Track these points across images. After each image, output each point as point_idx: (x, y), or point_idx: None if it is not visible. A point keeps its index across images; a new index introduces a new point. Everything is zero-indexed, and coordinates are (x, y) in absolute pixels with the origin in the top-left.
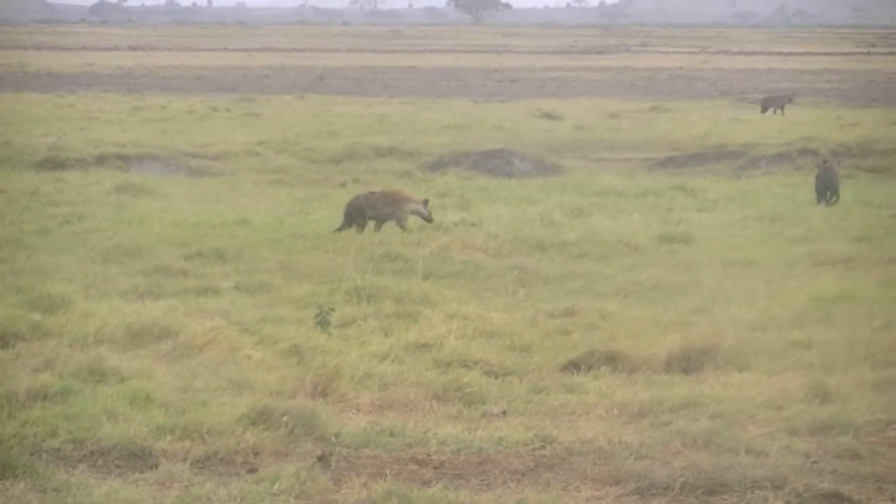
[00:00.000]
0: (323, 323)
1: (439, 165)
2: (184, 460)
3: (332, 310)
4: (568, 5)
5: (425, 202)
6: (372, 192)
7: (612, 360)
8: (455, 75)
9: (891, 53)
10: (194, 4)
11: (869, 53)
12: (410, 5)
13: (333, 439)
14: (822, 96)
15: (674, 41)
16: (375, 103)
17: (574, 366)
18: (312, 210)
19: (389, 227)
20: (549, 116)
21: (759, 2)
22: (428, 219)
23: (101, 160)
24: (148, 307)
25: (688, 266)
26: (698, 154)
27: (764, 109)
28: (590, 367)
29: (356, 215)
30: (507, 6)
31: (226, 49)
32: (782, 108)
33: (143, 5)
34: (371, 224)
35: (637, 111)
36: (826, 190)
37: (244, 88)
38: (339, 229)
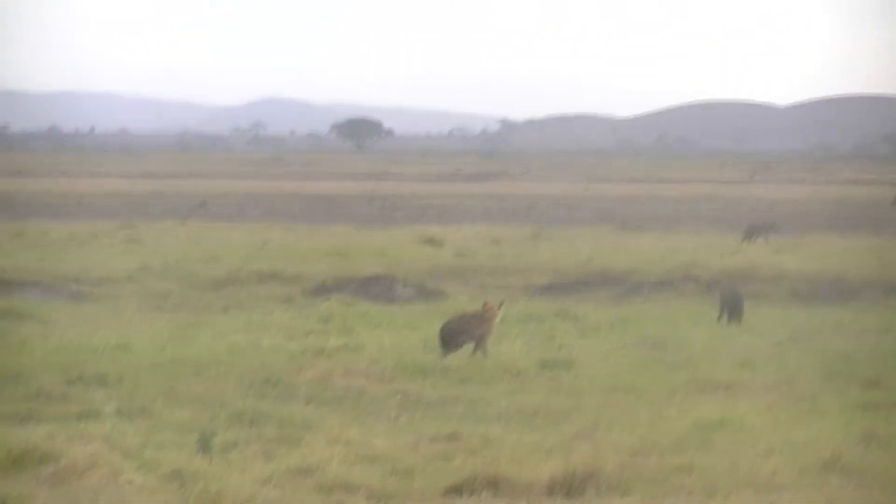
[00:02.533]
0: (205, 447)
1: (322, 291)
2: None
3: (214, 434)
4: (450, 133)
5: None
6: (463, 315)
7: (495, 485)
8: (337, 201)
9: (772, 181)
10: (77, 130)
11: (752, 181)
12: (292, 132)
13: None
14: (704, 223)
15: (555, 168)
16: (257, 229)
17: (456, 490)
18: (194, 335)
19: None
20: (431, 242)
21: (640, 130)
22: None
23: None
24: (28, 432)
25: (569, 391)
26: (580, 280)
27: (746, 237)
28: (472, 492)
29: (451, 339)
30: (390, 133)
31: (108, 175)
32: (766, 236)
33: (23, 131)
34: None
35: (519, 237)
36: (728, 307)
37: (125, 214)
38: (443, 356)
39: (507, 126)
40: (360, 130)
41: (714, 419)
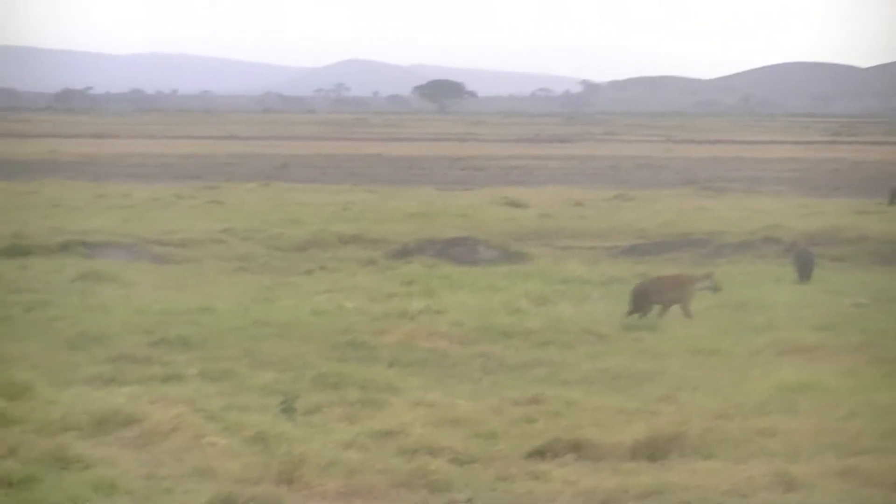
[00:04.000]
0: (288, 410)
1: (404, 253)
2: None
3: (297, 397)
4: (532, 94)
5: (709, 275)
6: (658, 278)
7: (578, 448)
8: (419, 163)
9: (854, 142)
10: (159, 92)
11: (833, 143)
12: (375, 94)
13: None
14: (786, 185)
15: (638, 130)
16: (340, 191)
17: (539, 453)
18: (277, 297)
19: None
20: (514, 204)
21: (723, 91)
22: (717, 288)
23: (64, 247)
24: (112, 394)
25: (653, 354)
26: (663, 242)
27: (892, 200)
28: (555, 455)
29: (642, 301)
30: (472, 95)
31: (190, 137)
32: None
33: (107, 93)
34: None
35: (601, 199)
36: (798, 266)
37: (208, 176)
38: (628, 314)
39: (590, 87)
40: (442, 92)
41: (796, 382)
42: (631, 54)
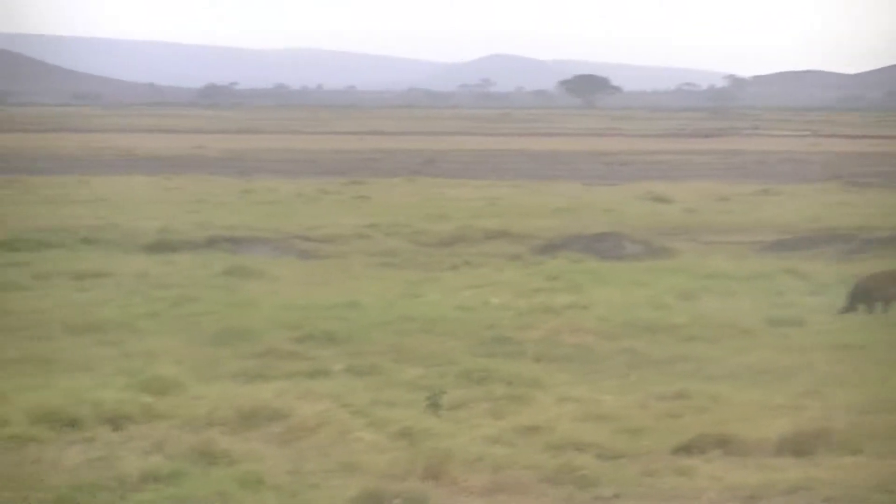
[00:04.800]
0: (434, 405)
1: (549, 248)
2: None
3: (443, 392)
4: (677, 89)
5: None
6: (882, 273)
7: (724, 444)
8: (564, 158)
9: None
10: (304, 88)
11: None
12: (519, 89)
13: None
14: None
15: (783, 124)
16: (484, 186)
17: (685, 449)
18: (422, 293)
19: None
20: (659, 199)
21: (869, 85)
22: None
23: (210, 243)
24: (258, 389)
25: (798, 349)
26: (808, 237)
27: None
28: (701, 451)
29: (863, 297)
30: (617, 90)
31: (335, 132)
32: None
33: (252, 89)
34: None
35: (746, 194)
36: None
37: (353, 171)
38: (845, 311)
39: (735, 82)
40: (587, 87)
41: None
42: (775, 49)
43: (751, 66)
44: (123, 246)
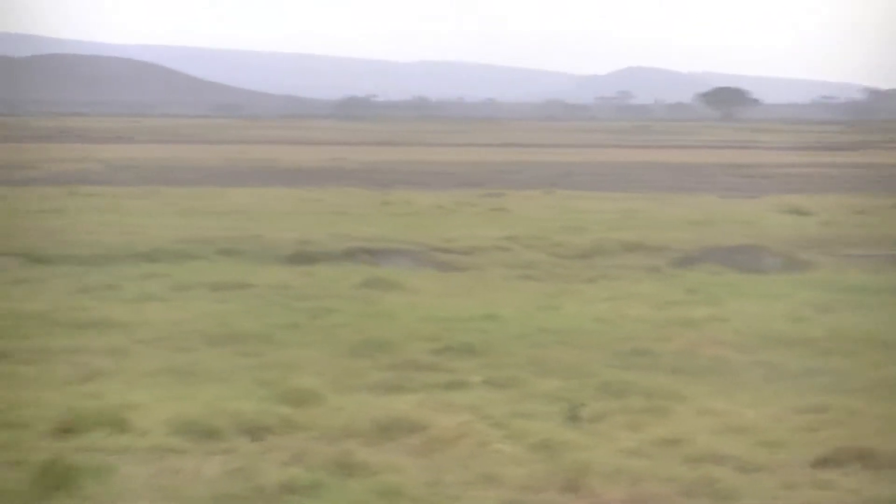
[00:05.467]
0: (573, 417)
1: (687, 261)
2: None
3: (582, 404)
4: (816, 100)
5: None
6: None
7: (863, 457)
8: (702, 171)
9: None
10: (443, 100)
11: None
12: (657, 101)
13: None
14: None
15: None
16: (622, 198)
17: (824, 462)
18: (561, 305)
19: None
20: (797, 212)
21: None
22: None
23: (349, 254)
24: (397, 401)
25: None
26: None
27: None
28: (840, 465)
29: None
30: (756, 102)
31: (473, 144)
32: None
33: (392, 101)
34: None
35: (884, 207)
36: None
37: (491, 183)
38: None
39: (874, 94)
40: (726, 99)
41: None
42: None
43: (890, 78)
44: (262, 257)
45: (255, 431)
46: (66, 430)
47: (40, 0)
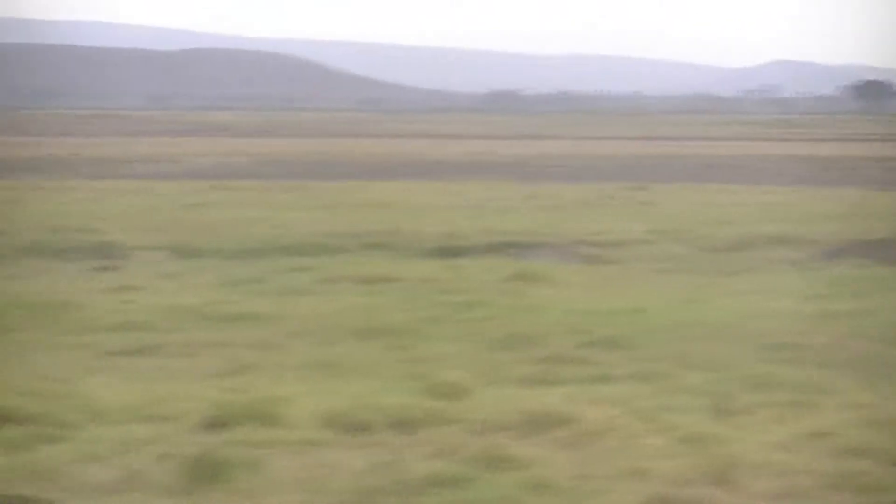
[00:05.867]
0: (719, 411)
1: (832, 254)
2: None
3: (728, 398)
4: None
5: None
6: None
7: None
8: (847, 163)
9: None
10: (588, 93)
11: None
12: (803, 94)
13: None
14: None
15: None
16: (767, 191)
17: None
18: (705, 298)
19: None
20: None
21: None
22: None
23: (494, 248)
24: (543, 394)
25: None
26: None
27: None
28: None
29: None
30: None
31: (619, 137)
32: None
33: (537, 94)
34: None
35: None
36: None
37: (637, 176)
38: None
39: None
40: (874, 92)
41: None
42: None
43: None
44: (408, 251)
45: (402, 425)
46: (216, 423)
47: None
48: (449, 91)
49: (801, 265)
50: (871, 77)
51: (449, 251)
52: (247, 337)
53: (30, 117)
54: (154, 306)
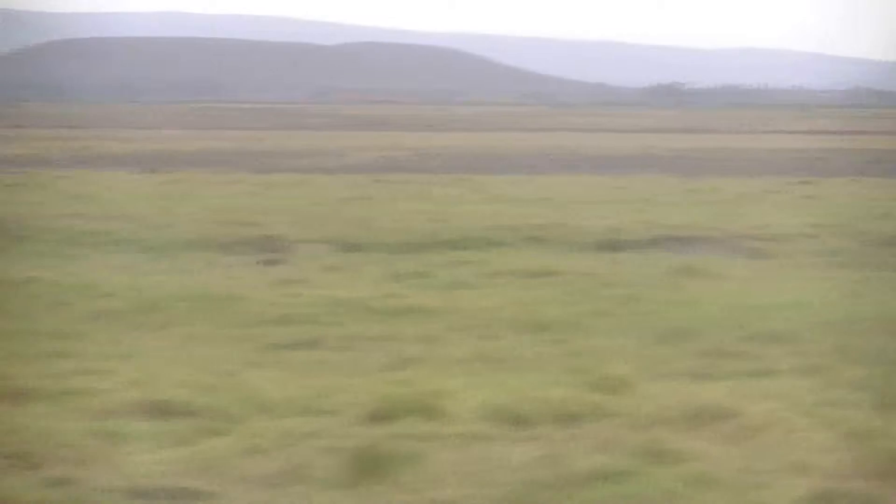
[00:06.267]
0: (880, 405)
1: None
2: None
3: (890, 391)
4: None
5: None
6: None
7: None
8: None
9: None
10: (751, 87)
11: None
12: None
13: None
14: None
15: None
16: None
17: None
18: (867, 293)
19: None
20: None
21: None
22: None
23: (656, 242)
24: (705, 388)
25: None
26: None
27: None
28: None
29: None
30: None
31: (781, 131)
32: None
33: (700, 88)
34: None
35: None
36: None
37: (799, 171)
38: None
39: None
40: None
41: None
42: None
43: None
44: (569, 245)
45: (564, 418)
46: (379, 417)
47: None
48: (612, 85)
49: None
50: None
51: (611, 245)
52: (410, 330)
53: (190, 111)
54: (317, 299)
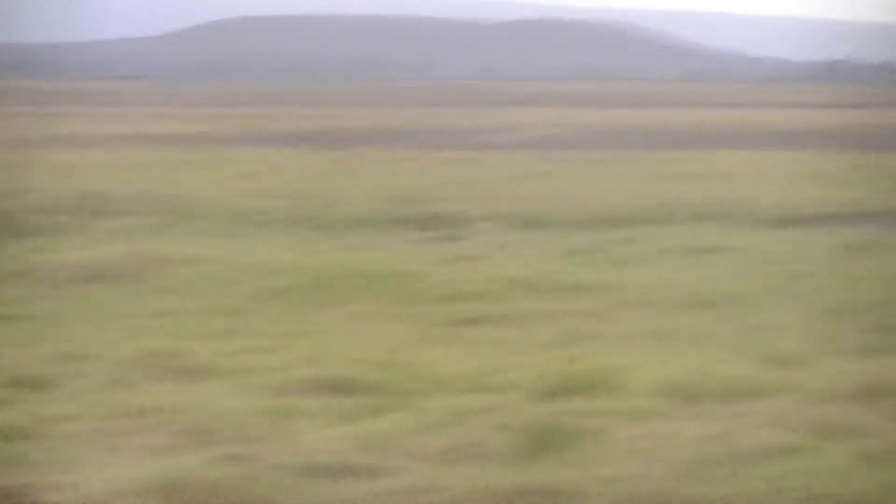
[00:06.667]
0: None
1: None
2: None
3: None
4: None
5: None
6: None
7: None
8: None
9: None
10: None
11: None
12: None
13: None
14: None
15: None
16: None
17: None
18: None
19: None
20: None
21: None
22: None
23: (823, 218)
24: (877, 364)
25: None
26: None
27: None
28: None
29: None
30: None
31: None
32: None
33: (871, 62)
34: None
35: None
36: None
37: None
38: None
39: None
40: None
41: None
42: None
43: None
44: (738, 221)
45: (736, 394)
46: (552, 393)
47: None
48: (786, 60)
49: None
50: None
51: (780, 221)
52: (580, 307)
53: (360, 88)
54: (490, 276)
